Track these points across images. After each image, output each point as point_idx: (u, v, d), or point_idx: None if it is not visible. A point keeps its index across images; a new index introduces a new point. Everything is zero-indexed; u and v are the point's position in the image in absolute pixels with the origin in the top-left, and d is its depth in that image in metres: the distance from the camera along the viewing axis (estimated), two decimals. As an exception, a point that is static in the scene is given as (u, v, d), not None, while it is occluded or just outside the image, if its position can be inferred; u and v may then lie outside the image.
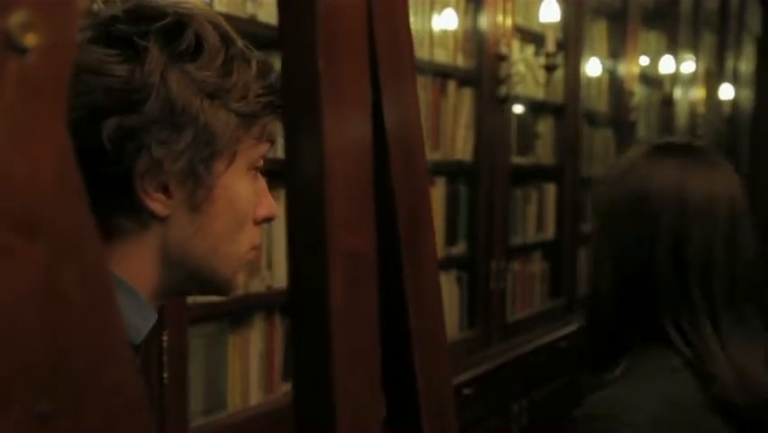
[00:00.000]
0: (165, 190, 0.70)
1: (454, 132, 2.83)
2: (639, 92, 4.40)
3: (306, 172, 0.46)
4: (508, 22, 2.89)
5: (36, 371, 0.35)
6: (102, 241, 0.68)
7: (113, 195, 0.69)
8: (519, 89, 3.14)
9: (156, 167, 0.69)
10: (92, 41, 0.69)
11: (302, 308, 0.48)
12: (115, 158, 0.68)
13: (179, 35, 0.69)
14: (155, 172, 0.69)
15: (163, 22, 0.69)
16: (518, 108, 3.25)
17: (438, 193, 2.75)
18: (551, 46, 2.91)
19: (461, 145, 2.86)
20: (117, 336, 0.40)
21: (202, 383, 1.77)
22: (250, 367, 1.93)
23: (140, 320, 0.73)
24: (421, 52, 2.63)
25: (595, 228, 1.08)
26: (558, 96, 3.58)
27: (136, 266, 0.72)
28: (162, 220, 0.71)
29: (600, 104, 4.16)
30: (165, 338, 1.57)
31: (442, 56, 2.73)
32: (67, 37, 0.34)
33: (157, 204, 0.70)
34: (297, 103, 0.46)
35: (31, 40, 0.33)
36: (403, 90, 0.54)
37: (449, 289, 2.80)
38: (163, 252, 0.73)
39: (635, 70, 4.28)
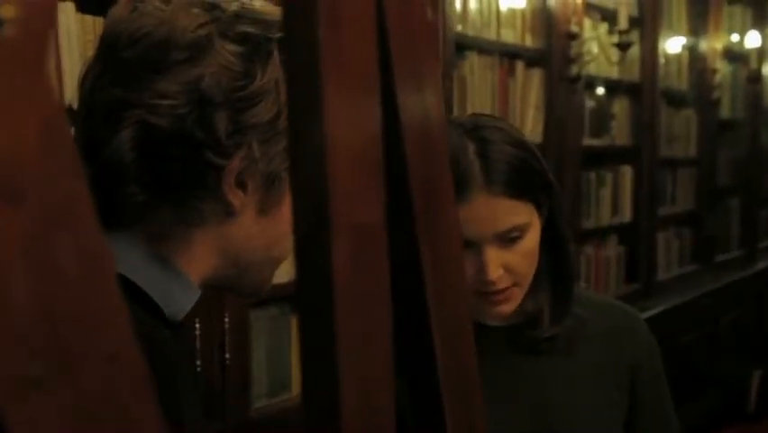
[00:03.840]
0: (243, 188, 0.73)
1: (523, 113, 2.78)
2: (723, 69, 4.22)
3: (309, 143, 0.46)
4: (579, -1, 2.81)
5: (26, 336, 0.35)
6: (177, 224, 0.72)
7: (199, 181, 0.71)
8: (592, 69, 3.06)
9: (250, 165, 0.72)
10: (218, 35, 0.71)
11: (306, 283, 0.47)
12: (218, 147, 0.70)
13: None
14: (245, 170, 0.72)
15: None
16: (592, 88, 3.17)
17: (507, 176, 2.71)
18: (623, 23, 2.82)
19: (530, 127, 2.81)
20: (114, 305, 0.40)
21: (265, 366, 1.80)
22: (314, 350, 1.94)
23: (182, 297, 0.75)
24: (488, 33, 2.59)
25: None
26: (634, 74, 3.47)
27: (194, 252, 0.74)
28: (231, 215, 0.73)
29: (681, 82, 4.01)
30: (227, 320, 1.59)
31: (509, 36, 2.68)
32: (44, 6, 0.34)
33: (236, 199, 0.73)
34: (297, 72, 0.45)
35: (7, 11, 0.33)
36: (416, 57, 0.52)
37: (519, 273, 2.76)
38: (223, 245, 0.75)
39: (718, 46, 4.11)
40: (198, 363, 1.57)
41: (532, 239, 1.03)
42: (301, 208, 0.46)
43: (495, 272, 1.00)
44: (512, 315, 1.07)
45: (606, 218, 3.33)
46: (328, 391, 0.46)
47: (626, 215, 3.48)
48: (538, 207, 1.04)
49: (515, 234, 1.01)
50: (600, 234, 3.32)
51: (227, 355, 1.61)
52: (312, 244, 0.46)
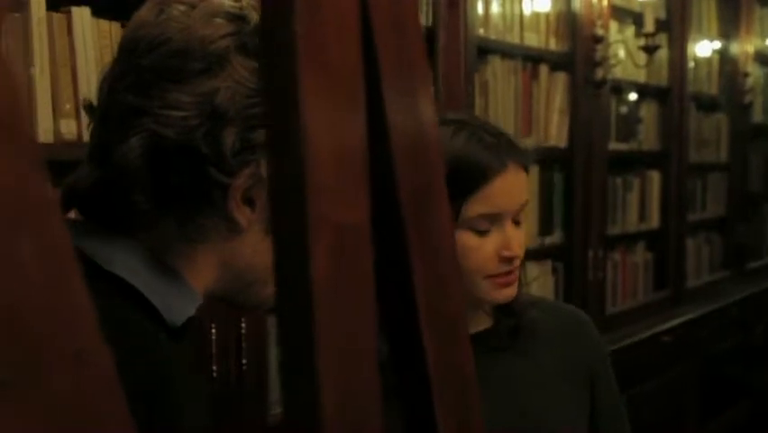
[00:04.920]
0: (251, 205, 0.72)
1: (547, 117, 2.75)
2: (754, 72, 4.15)
3: (286, 143, 0.45)
4: (604, 1, 2.78)
5: (-12, 339, 0.35)
6: (180, 238, 0.72)
7: (204, 196, 0.71)
8: (619, 72, 3.02)
9: (257, 182, 0.71)
10: (236, 48, 0.70)
11: (285, 283, 0.46)
12: (224, 165, 0.69)
13: None
14: (252, 186, 0.71)
15: None
16: (618, 92, 3.13)
17: (531, 180, 2.67)
18: (649, 26, 2.78)
19: (555, 131, 2.78)
20: (79, 304, 0.40)
21: (283, 370, 1.79)
22: (333, 355, 1.93)
23: (182, 303, 0.74)
24: (511, 37, 2.57)
25: None
26: (662, 78, 3.42)
27: (198, 265, 0.74)
28: (237, 232, 0.73)
29: (711, 86, 3.95)
30: (243, 325, 1.59)
31: (533, 40, 2.65)
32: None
33: (242, 216, 0.72)
34: (274, 70, 0.44)
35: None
36: (404, 56, 0.51)
37: (543, 279, 2.73)
38: (227, 260, 0.74)
39: (750, 50, 4.04)
40: (214, 368, 1.57)
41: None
42: (279, 208, 0.45)
43: (520, 249, 1.07)
44: (480, 318, 1.13)
45: (633, 224, 3.28)
46: (308, 393, 0.44)
47: (654, 220, 3.43)
48: None
49: (521, 214, 1.09)
50: (627, 241, 3.28)
51: (244, 361, 1.60)
52: (290, 243, 0.45)
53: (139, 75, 0.70)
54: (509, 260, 1.06)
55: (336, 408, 0.44)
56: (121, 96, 0.71)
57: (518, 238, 1.07)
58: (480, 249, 1.06)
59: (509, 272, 1.07)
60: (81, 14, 1.40)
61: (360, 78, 0.47)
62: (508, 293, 1.09)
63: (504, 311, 1.14)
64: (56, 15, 1.39)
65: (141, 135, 0.69)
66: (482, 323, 1.14)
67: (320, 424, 0.44)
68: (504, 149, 1.06)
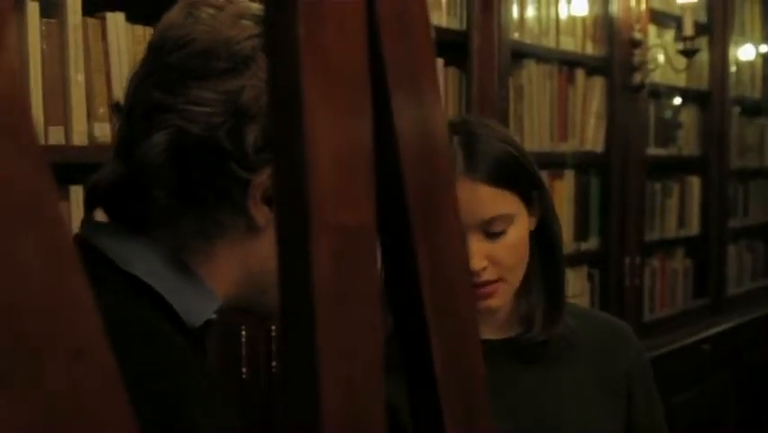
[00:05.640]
0: (270, 204, 0.72)
1: (584, 122, 2.72)
2: (800, 77, 4.06)
3: (291, 144, 0.45)
4: (643, 5, 2.74)
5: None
6: (198, 235, 0.73)
7: (224, 192, 0.72)
8: (658, 77, 2.98)
9: None
10: (262, 48, 0.72)
11: (288, 284, 0.46)
12: (245, 161, 0.70)
13: None
14: (273, 186, 0.71)
15: None
16: (657, 96, 3.08)
17: (567, 186, 2.66)
18: (688, 30, 2.74)
19: (591, 136, 2.75)
20: (79, 302, 0.40)
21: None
22: (364, 359, 1.93)
23: (200, 304, 0.74)
24: (547, 41, 2.55)
25: None
26: (703, 83, 3.36)
27: (218, 265, 0.74)
28: (256, 231, 0.73)
29: (754, 91, 3.88)
30: (273, 327, 1.60)
31: (569, 44, 2.63)
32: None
33: (260, 214, 0.72)
34: (278, 71, 0.44)
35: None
36: (412, 57, 0.51)
37: (579, 285, 2.70)
38: (245, 260, 0.75)
39: (795, 53, 3.96)
40: (244, 370, 1.58)
41: (518, 232, 1.04)
42: (283, 209, 0.45)
43: (478, 263, 1.01)
44: (507, 325, 1.10)
45: (672, 230, 3.23)
46: (309, 396, 0.44)
47: (694, 227, 3.37)
48: (527, 204, 1.06)
49: (500, 226, 1.03)
50: (666, 247, 3.22)
51: (273, 363, 1.61)
52: (292, 246, 0.45)
53: (165, 73, 0.71)
54: (472, 273, 1.00)
55: (338, 411, 0.44)
56: (147, 93, 0.72)
57: (486, 252, 1.02)
58: None
59: (483, 285, 1.02)
60: (116, 20, 1.43)
61: (365, 80, 0.47)
62: (487, 304, 1.04)
63: (522, 321, 1.11)
64: (91, 21, 1.42)
65: (165, 131, 0.70)
66: (513, 329, 1.12)
67: (321, 428, 0.44)
68: (456, 164, 1.00)
